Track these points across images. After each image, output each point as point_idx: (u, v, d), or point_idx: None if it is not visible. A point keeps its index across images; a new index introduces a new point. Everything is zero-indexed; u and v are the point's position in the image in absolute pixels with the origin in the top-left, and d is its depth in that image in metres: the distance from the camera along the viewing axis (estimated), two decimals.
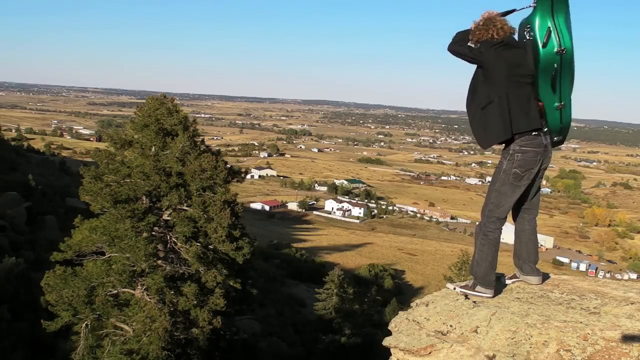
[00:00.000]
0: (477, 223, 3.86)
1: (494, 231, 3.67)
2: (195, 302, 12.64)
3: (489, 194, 3.71)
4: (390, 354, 3.43)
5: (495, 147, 3.82)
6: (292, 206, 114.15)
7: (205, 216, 13.03)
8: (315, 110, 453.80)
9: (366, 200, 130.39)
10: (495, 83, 3.52)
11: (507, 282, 4.00)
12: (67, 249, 12.79)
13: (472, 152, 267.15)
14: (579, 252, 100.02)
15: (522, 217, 3.84)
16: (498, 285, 3.79)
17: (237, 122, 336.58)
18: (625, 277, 73.86)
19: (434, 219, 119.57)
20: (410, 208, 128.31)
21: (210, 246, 13.37)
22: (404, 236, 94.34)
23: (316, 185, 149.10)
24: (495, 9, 3.67)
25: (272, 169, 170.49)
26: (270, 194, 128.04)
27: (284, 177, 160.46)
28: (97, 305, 12.48)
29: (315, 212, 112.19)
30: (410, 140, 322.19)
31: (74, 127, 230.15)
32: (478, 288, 3.67)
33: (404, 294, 48.27)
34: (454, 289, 3.79)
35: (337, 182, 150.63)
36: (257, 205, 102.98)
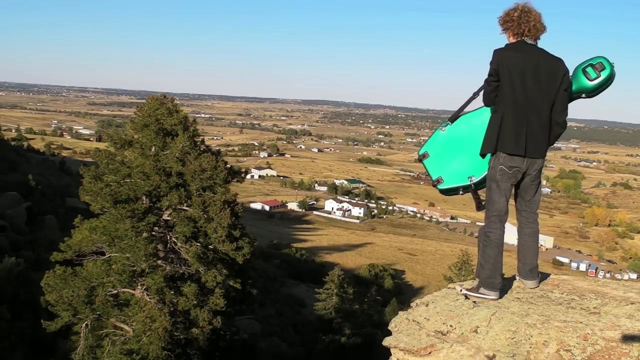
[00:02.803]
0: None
1: (494, 231, 3.63)
2: (195, 302, 12.65)
3: (486, 193, 3.74)
4: (390, 354, 3.43)
5: None
6: (292, 206, 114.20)
7: (205, 216, 13.03)
8: (315, 110, 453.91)
9: (366, 200, 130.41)
10: (501, 92, 3.51)
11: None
12: (67, 249, 12.79)
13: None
14: (579, 252, 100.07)
15: (520, 220, 3.83)
16: (504, 286, 3.78)
17: (237, 122, 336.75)
18: (625, 277, 73.89)
19: (434, 219, 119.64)
20: (410, 208, 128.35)
21: (210, 246, 13.37)
22: (404, 236, 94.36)
23: (316, 185, 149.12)
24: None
25: (272, 169, 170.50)
26: (270, 194, 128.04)
27: (284, 177, 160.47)
28: (97, 305, 12.48)
29: (315, 212, 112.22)
30: (410, 140, 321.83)
31: (74, 127, 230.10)
32: (482, 290, 3.65)
33: (404, 294, 48.27)
34: (460, 290, 3.78)
35: (337, 182, 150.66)
36: (257, 205, 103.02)
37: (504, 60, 3.47)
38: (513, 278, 4.05)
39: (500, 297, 3.63)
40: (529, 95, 3.45)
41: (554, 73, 3.47)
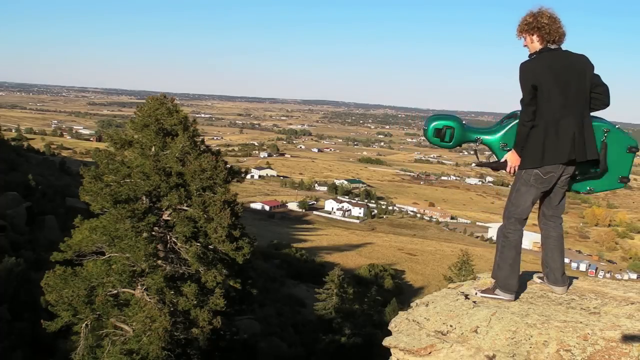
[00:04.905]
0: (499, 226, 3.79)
1: (513, 232, 3.60)
2: (195, 302, 12.64)
3: (510, 193, 3.67)
4: (390, 354, 3.43)
5: None
6: (292, 206, 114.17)
7: (205, 216, 13.02)
8: (315, 110, 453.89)
9: (366, 200, 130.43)
10: (541, 104, 3.39)
11: (537, 280, 3.99)
12: (67, 249, 12.78)
13: (472, 152, 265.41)
14: (579, 252, 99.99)
15: (546, 223, 3.75)
16: (520, 288, 3.73)
17: (237, 122, 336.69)
18: (625, 277, 73.85)
19: (434, 219, 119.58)
20: (410, 208, 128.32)
21: (210, 246, 13.37)
22: (404, 236, 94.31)
23: (316, 185, 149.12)
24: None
25: (272, 169, 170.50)
26: (270, 194, 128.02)
27: (284, 177, 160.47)
28: (97, 305, 12.48)
29: (315, 212, 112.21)
30: (410, 140, 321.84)
31: (74, 127, 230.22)
32: (497, 291, 3.62)
33: (404, 294, 48.22)
34: (476, 294, 3.73)
35: (337, 182, 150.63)
36: (257, 205, 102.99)
37: (538, 72, 3.37)
38: (542, 278, 4.02)
39: (516, 299, 3.60)
40: (567, 102, 3.38)
41: (583, 71, 3.42)
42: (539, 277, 4.00)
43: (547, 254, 3.76)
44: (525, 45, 3.56)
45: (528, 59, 3.50)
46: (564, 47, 3.51)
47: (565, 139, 3.39)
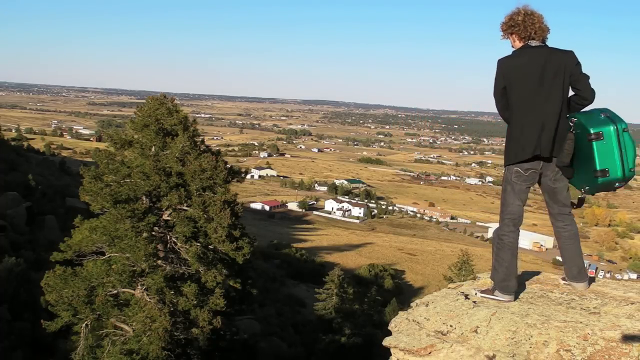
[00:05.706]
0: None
1: (508, 235, 3.60)
2: (195, 302, 12.63)
3: (500, 195, 3.70)
4: (390, 354, 3.43)
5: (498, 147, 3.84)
6: (292, 206, 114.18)
7: (205, 216, 13.01)
8: (315, 110, 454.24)
9: (366, 200, 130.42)
10: (512, 100, 3.43)
11: (560, 281, 3.99)
12: (67, 249, 12.77)
13: (472, 152, 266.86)
14: None
15: (556, 225, 3.74)
16: (520, 288, 3.74)
17: (237, 122, 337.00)
18: (625, 277, 73.83)
19: (434, 219, 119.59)
20: (410, 208, 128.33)
21: (210, 246, 13.36)
22: (404, 236, 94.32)
23: (316, 185, 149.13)
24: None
25: (272, 169, 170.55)
26: (270, 194, 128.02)
27: (284, 177, 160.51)
28: (97, 305, 12.47)
29: (315, 212, 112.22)
30: (410, 140, 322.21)
31: (74, 127, 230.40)
32: (496, 293, 3.63)
33: (404, 294, 48.22)
34: (476, 294, 3.75)
35: (337, 182, 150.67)
36: (257, 205, 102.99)
37: (509, 70, 3.41)
38: (564, 278, 4.02)
39: (515, 299, 3.60)
40: (540, 98, 3.37)
41: (561, 68, 3.37)
42: (562, 278, 3.98)
43: (562, 252, 3.78)
44: (512, 47, 3.57)
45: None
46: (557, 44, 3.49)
47: (531, 134, 3.38)
